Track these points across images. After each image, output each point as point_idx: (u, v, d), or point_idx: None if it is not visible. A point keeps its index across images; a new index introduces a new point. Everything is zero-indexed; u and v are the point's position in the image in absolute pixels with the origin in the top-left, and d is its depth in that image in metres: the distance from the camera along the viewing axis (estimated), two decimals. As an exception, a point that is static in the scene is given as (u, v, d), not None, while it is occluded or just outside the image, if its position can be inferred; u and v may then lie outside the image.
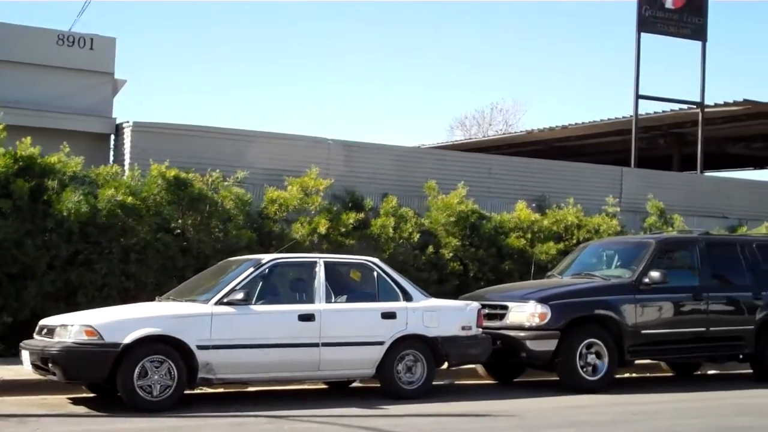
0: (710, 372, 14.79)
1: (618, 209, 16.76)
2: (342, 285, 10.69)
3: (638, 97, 19.44)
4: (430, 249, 14.68)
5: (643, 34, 19.22)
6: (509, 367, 12.64)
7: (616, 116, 36.62)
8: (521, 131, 44.54)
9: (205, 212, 13.24)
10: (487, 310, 11.93)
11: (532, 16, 65.11)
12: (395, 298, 10.69)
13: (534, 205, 16.64)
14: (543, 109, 66.26)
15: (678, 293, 12.40)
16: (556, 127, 44.98)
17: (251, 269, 10.13)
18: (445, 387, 12.08)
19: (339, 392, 11.25)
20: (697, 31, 20.11)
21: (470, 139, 45.16)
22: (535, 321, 11.43)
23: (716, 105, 31.67)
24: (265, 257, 10.48)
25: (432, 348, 10.69)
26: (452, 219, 14.87)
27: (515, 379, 12.86)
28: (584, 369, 11.56)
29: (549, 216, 16.21)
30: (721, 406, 10.82)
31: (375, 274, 10.79)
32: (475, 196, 16.20)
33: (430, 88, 67.24)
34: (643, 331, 11.96)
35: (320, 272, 10.37)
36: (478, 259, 15.03)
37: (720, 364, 14.37)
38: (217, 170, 13.69)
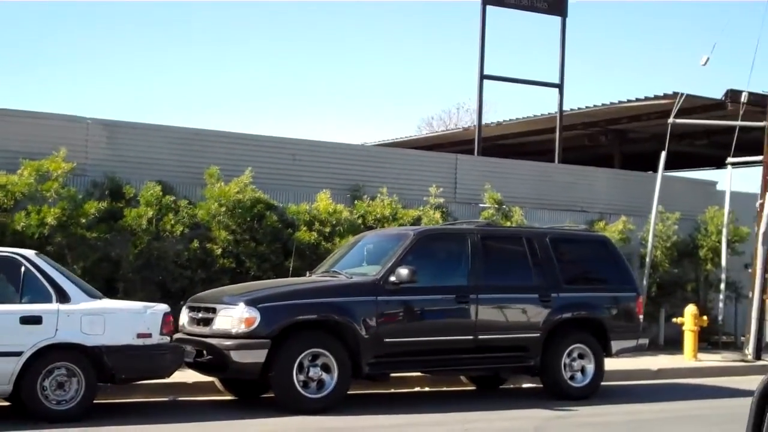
0: (525, 386, 12.82)
1: (442, 200, 14.79)
2: (-28, 283, 8.77)
3: (483, 77, 17.41)
4: (195, 244, 12.74)
5: (489, 8, 17.19)
6: (252, 381, 10.66)
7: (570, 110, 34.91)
8: (459, 128, 42.69)
9: None
10: (200, 314, 10.05)
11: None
12: (45, 299, 8.73)
13: (348, 195, 14.72)
14: (514, 108, 64.40)
15: (436, 294, 10.46)
16: (491, 123, 43.11)
17: None
18: (158, 404, 10.22)
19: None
20: (555, 6, 18.08)
21: (409, 137, 43.31)
22: (242, 327, 9.48)
23: (646, 98, 29.74)
24: None
25: (93, 360, 8.76)
26: (223, 209, 12.91)
27: (264, 395, 10.91)
28: (306, 385, 9.62)
29: (357, 207, 14.27)
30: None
31: (22, 269, 8.82)
32: (277, 184, 14.31)
33: (400, 87, 65.35)
34: (387, 340, 10.00)
35: (-62, 267, 8.45)
36: (258, 256, 13.09)
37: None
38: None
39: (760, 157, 16.20)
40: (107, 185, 12.90)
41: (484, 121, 45.41)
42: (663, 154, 16.71)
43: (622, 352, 11.82)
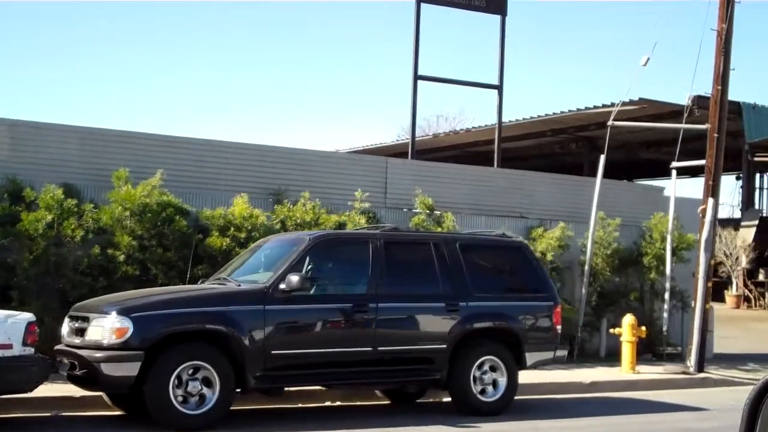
0: (446, 399, 12.18)
1: (367, 204, 14.17)
2: None
3: (417, 78, 16.79)
4: (96, 250, 12.10)
5: (424, 5, 16.56)
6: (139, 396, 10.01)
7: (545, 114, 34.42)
8: (427, 135, 42.20)
9: None
10: (77, 324, 9.43)
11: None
12: None
13: (270, 199, 14.11)
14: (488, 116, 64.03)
15: (331, 303, 9.86)
16: (461, 130, 42.67)
17: None
18: (36, 420, 9.60)
19: None
20: (495, 4, 17.46)
21: (380, 144, 42.88)
22: (113, 338, 8.85)
23: (612, 104, 29.16)
24: None
25: (-56, 373, 8.16)
26: (127, 213, 12.30)
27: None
28: (186, 401, 8.99)
29: (277, 212, 13.65)
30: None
31: None
32: (194, 188, 13.72)
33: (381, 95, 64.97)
34: (276, 352, 9.38)
35: None
36: (164, 262, 12.46)
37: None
38: None
39: (703, 161, 15.63)
40: (7, 188, 12.27)
41: (458, 128, 44.78)
42: (602, 158, 16.16)
43: (539, 365, 11.23)
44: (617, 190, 17.81)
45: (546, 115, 34.86)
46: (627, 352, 14.69)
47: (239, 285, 9.79)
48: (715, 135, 15.45)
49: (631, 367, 14.61)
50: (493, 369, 10.65)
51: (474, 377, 10.49)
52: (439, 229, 14.47)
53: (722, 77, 15.34)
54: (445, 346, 10.27)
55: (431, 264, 10.49)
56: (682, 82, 52.00)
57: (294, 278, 9.37)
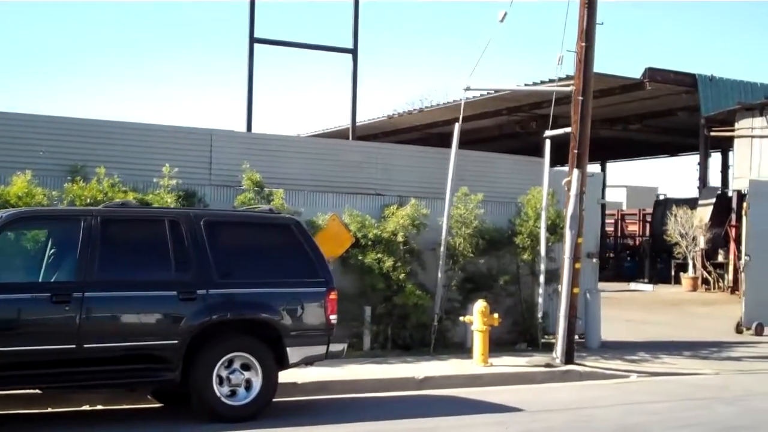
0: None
1: (176, 181, 12.58)
2: None
3: (253, 41, 15.14)
4: None
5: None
6: None
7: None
8: (383, 117, 40.56)
9: None
10: None
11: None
12: None
13: (69, 178, 12.57)
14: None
15: (20, 293, 8.36)
16: (414, 110, 40.92)
17: None
18: None
19: None
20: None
21: (337, 127, 41.35)
22: None
23: (560, 79, 27.35)
24: None
25: None
26: None
27: None
28: None
29: (67, 191, 12.10)
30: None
31: None
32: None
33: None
34: (-61, 351, 7.89)
35: None
36: None
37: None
38: None
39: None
40: None
41: (414, 108, 42.95)
42: (457, 126, 14.53)
43: (308, 361, 9.64)
44: (495, 163, 16.17)
45: (497, 92, 33.16)
46: (478, 342, 13.09)
47: None
48: (580, 98, 13.84)
49: (482, 360, 13.01)
50: (246, 368, 9.12)
51: (219, 377, 8.98)
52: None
53: (587, 32, 13.71)
54: (176, 341, 8.75)
55: (163, 245, 8.95)
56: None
57: (-35, 265, 7.87)
